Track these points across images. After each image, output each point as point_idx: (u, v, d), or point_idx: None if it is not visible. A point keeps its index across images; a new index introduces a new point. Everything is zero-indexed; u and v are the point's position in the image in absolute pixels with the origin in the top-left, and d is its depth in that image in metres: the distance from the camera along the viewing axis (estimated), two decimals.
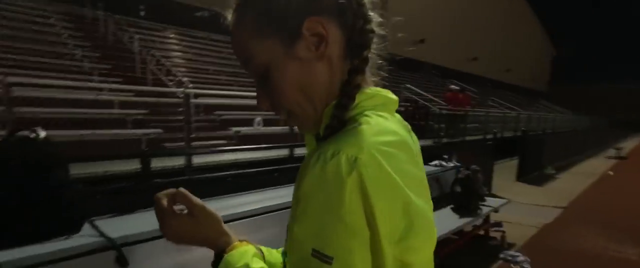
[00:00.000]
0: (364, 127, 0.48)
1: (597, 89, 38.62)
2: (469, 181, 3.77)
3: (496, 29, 25.72)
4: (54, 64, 6.75)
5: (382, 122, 0.50)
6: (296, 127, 0.57)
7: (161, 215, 0.64)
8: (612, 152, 14.30)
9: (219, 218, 0.66)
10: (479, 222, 4.03)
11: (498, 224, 4.29)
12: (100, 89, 6.14)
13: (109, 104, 5.82)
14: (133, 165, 2.68)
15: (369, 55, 0.55)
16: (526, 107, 18.98)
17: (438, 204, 3.95)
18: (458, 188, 3.79)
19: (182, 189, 0.65)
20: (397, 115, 0.60)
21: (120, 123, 5.50)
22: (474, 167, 3.96)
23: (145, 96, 6.20)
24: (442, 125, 8.21)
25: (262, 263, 0.60)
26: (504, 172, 8.03)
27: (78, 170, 2.78)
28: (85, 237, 1.62)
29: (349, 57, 0.54)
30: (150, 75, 7.66)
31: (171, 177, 3.45)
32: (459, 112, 8.61)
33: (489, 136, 8.09)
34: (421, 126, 8.70)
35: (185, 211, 0.64)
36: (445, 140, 7.98)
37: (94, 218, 1.75)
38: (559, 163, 9.93)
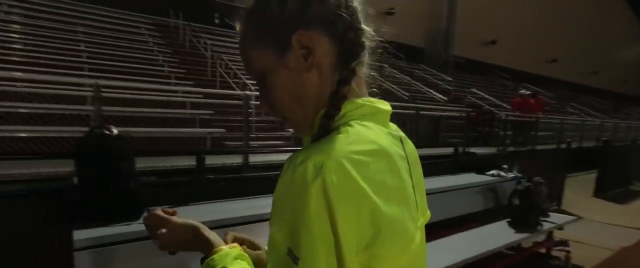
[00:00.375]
0: (341, 136, 0.50)
1: None
2: (529, 193, 3.51)
3: (582, 27, 23.24)
4: (141, 69, 7.61)
5: (361, 131, 0.51)
6: (293, 130, 0.61)
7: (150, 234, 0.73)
8: None
9: (196, 226, 0.69)
10: (540, 238, 3.74)
11: (563, 243, 3.93)
12: (176, 92, 6.79)
13: (182, 105, 6.42)
14: (192, 161, 2.96)
15: (363, 66, 0.57)
16: (613, 114, 16.93)
17: (493, 216, 3.75)
18: (516, 201, 3.55)
19: (152, 212, 0.74)
20: (392, 125, 0.62)
21: (190, 122, 6.04)
22: (536, 178, 3.69)
23: (212, 98, 6.70)
24: (508, 133, 7.68)
25: (243, 264, 0.62)
26: (580, 186, 7.28)
27: (145, 163, 3.14)
28: (143, 224, 1.85)
29: (339, 68, 0.55)
30: (219, 78, 8.25)
31: (229, 173, 3.73)
32: (528, 119, 7.99)
33: (563, 146, 7.39)
34: (486, 133, 8.24)
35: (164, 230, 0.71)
36: (511, 148, 7.46)
37: (151, 207, 1.98)
38: None
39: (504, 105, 9.90)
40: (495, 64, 18.00)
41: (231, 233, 0.73)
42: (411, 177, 0.59)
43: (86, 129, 4.35)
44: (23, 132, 4.05)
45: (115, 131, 2.00)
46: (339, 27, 0.54)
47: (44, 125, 4.21)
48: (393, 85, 8.86)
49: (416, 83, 10.34)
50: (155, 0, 11.04)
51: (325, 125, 0.53)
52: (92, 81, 4.57)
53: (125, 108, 5.18)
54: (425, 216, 0.66)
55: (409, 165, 0.59)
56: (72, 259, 1.54)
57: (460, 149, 4.76)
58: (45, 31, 7.86)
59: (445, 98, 9.06)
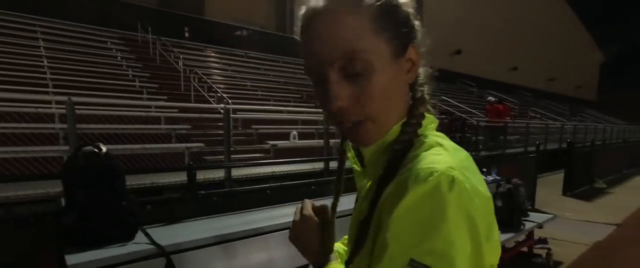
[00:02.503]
0: (443, 149, 0.52)
1: None
2: (511, 195, 3.64)
3: (538, 36, 24.75)
4: (109, 84, 7.33)
5: (450, 144, 0.54)
6: (356, 139, 0.56)
7: (303, 215, 0.72)
8: None
9: (334, 239, 0.73)
10: (521, 238, 3.88)
11: (543, 241, 4.10)
12: (149, 107, 6.59)
13: (156, 120, 6.22)
14: (177, 177, 2.87)
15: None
16: (571, 117, 17.99)
17: None
18: (499, 203, 3.67)
19: (328, 206, 0.74)
20: None
21: (166, 138, 5.85)
22: (515, 180, 3.83)
23: (189, 112, 6.55)
24: (480, 138, 7.98)
25: None
26: (550, 186, 7.64)
27: (129, 181, 3.01)
28: (139, 244, 1.76)
29: (413, 87, 0.59)
30: (193, 92, 8.09)
31: (211, 188, 3.64)
32: (497, 124, 8.34)
33: (531, 148, 7.75)
34: (458, 139, 8.52)
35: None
36: (483, 153, 7.75)
37: (145, 226, 1.90)
38: (610, 177, 9.29)
39: (474, 111, 10.28)
40: (461, 72, 18.73)
41: (309, 203, 0.74)
42: None
43: (57, 148, 4.12)
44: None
45: (104, 149, 1.91)
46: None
47: (11, 146, 3.95)
48: None
49: None
50: (122, 15, 10.75)
51: (410, 133, 0.55)
52: (61, 98, 4.35)
53: (99, 125, 4.97)
54: None
55: None
56: None
57: None
58: (3, 47, 7.45)
59: None
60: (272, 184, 3.21)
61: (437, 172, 0.46)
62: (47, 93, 6.16)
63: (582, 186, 7.72)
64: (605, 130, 13.83)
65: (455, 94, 15.25)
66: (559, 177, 7.71)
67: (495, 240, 0.51)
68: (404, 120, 0.56)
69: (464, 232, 0.45)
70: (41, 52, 7.89)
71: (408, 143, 0.55)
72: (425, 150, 0.52)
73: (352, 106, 0.52)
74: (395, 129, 0.56)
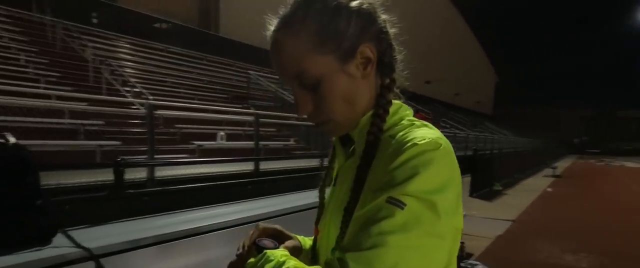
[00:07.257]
0: (425, 128, 0.59)
1: (535, 112, 42.05)
2: None
3: (445, 55, 27.49)
4: None
5: (429, 125, 0.61)
6: (325, 133, 0.64)
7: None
8: (549, 171, 15.56)
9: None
10: None
11: None
12: (49, 97, 5.76)
13: (59, 113, 5.45)
14: (88, 177, 2.53)
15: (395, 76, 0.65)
16: (473, 128, 20.24)
17: None
18: None
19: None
20: None
21: (71, 133, 5.16)
22: None
23: (101, 106, 5.87)
24: None
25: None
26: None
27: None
28: (59, 247, 1.51)
29: (379, 76, 0.64)
30: (105, 85, 7.29)
31: (137, 188, 3.31)
32: None
33: None
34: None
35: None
36: None
37: (66, 228, 1.64)
38: (505, 180, 10.66)
39: None
40: None
41: (261, 225, 0.75)
42: None
43: None
44: None
45: (12, 139, 1.62)
46: (383, 44, 0.63)
47: None
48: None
49: None
50: None
51: (379, 125, 0.60)
52: None
53: None
54: None
55: None
56: None
57: None
58: None
59: None
60: (205, 184, 3.02)
61: (428, 138, 0.54)
62: None
63: (484, 188, 8.71)
64: (501, 140, 15.82)
65: None
66: (466, 180, 8.62)
67: (461, 209, 0.59)
68: (372, 111, 0.62)
69: (444, 182, 0.53)
70: None
71: (379, 133, 0.60)
72: (416, 128, 0.59)
73: (315, 110, 0.61)
74: (366, 119, 0.62)
